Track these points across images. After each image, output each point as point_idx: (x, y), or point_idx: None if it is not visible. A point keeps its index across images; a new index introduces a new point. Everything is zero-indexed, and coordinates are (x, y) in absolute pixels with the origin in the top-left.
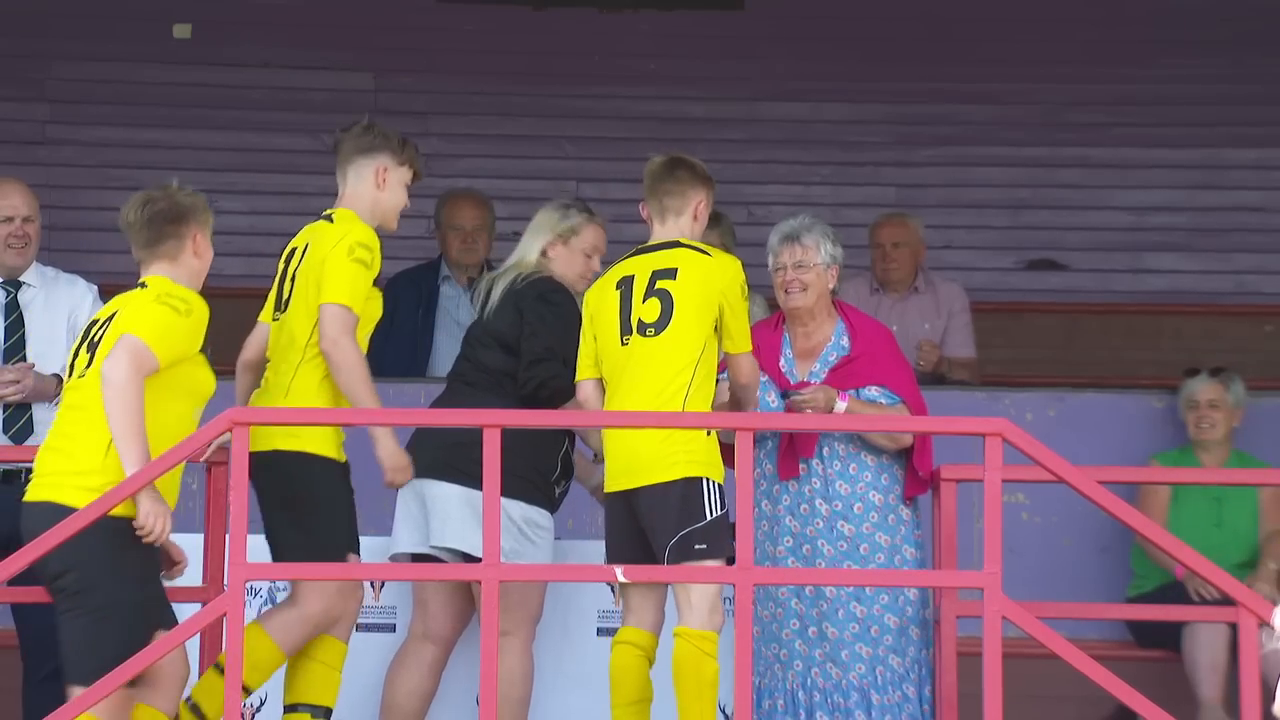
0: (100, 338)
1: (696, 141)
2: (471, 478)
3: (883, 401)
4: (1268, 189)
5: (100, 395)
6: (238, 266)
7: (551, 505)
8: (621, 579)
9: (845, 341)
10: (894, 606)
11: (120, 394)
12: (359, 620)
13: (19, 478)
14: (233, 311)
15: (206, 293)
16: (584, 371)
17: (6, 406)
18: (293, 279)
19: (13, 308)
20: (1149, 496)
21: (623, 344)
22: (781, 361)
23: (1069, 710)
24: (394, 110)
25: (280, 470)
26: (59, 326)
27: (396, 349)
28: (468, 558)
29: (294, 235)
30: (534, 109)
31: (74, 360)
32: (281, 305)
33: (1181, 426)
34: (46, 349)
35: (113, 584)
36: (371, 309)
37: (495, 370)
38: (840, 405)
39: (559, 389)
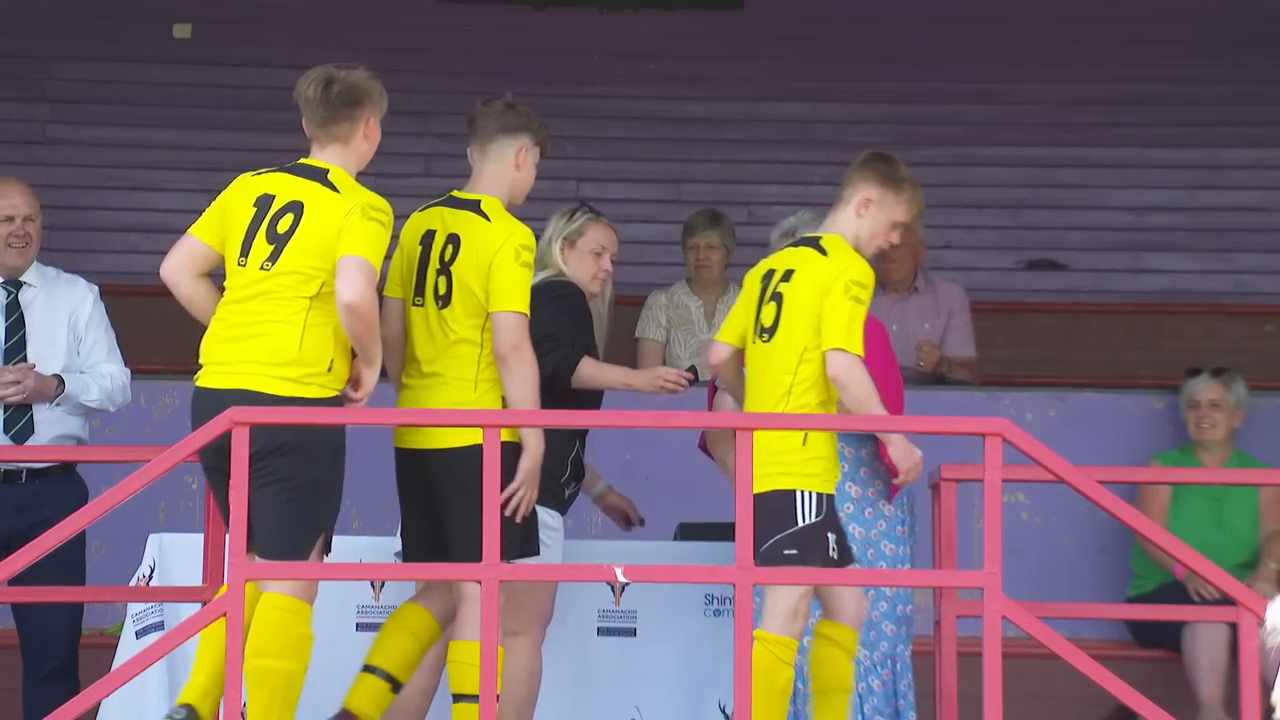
0: (289, 232)
1: (696, 141)
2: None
3: None
4: (1268, 189)
5: (290, 288)
6: None
7: (561, 506)
8: (621, 579)
9: None
10: (893, 615)
11: (369, 321)
12: (359, 620)
13: (19, 478)
14: None
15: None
16: (726, 334)
17: (7, 407)
18: (442, 271)
19: (13, 308)
20: (1149, 496)
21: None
22: None
23: (1069, 710)
24: (394, 110)
25: (470, 464)
26: (59, 327)
27: None
28: None
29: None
30: (534, 109)
31: (248, 242)
32: (432, 296)
33: (1182, 426)
34: (47, 349)
35: (315, 463)
36: None
37: None
38: None
39: (572, 368)
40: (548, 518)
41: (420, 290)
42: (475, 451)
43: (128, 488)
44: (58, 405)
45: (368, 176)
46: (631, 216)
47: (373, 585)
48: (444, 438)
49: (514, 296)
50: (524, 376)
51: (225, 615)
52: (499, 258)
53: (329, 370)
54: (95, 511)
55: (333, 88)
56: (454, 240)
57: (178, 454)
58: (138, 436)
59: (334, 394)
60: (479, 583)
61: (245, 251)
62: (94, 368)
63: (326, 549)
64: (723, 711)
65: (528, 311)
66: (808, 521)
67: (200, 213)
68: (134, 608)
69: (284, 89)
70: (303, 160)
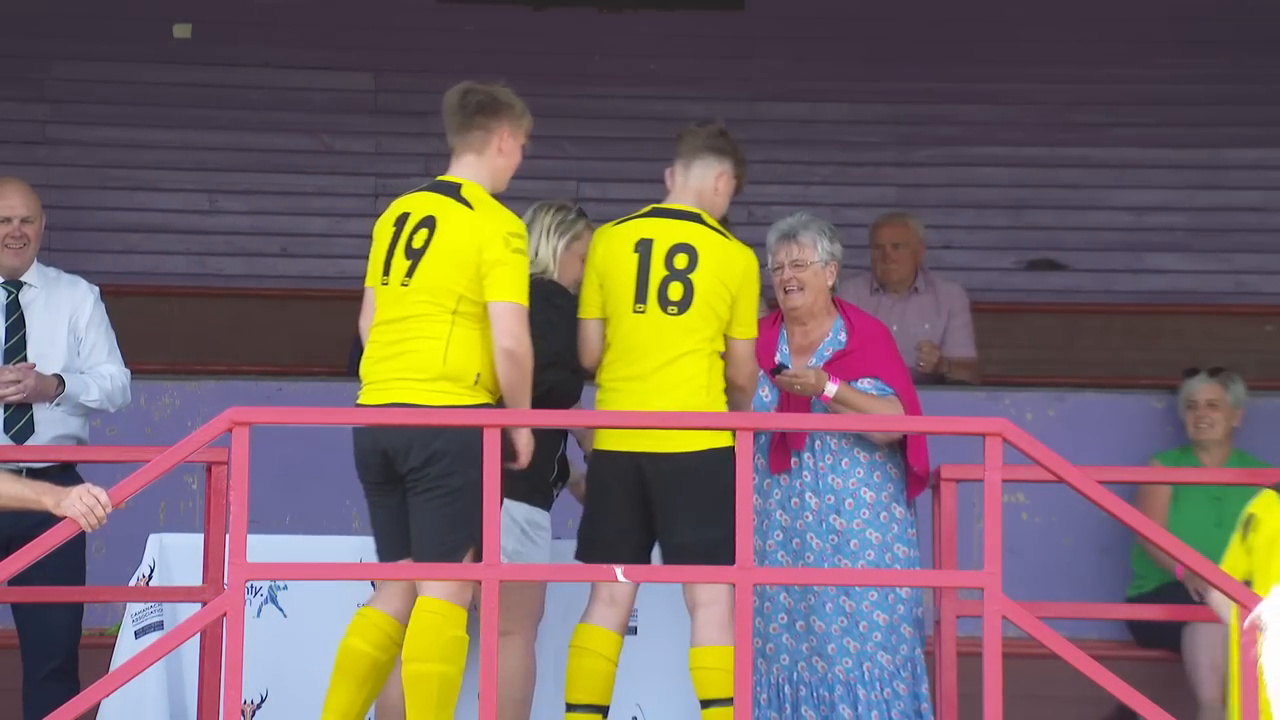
0: (424, 247)
1: None
2: None
3: (873, 393)
4: (1268, 189)
5: (430, 302)
6: (238, 266)
7: (549, 505)
8: (621, 579)
9: (843, 337)
10: (884, 604)
11: (524, 367)
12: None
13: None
14: (233, 311)
15: (206, 293)
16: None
17: (7, 406)
18: (679, 278)
19: (13, 308)
20: (1149, 497)
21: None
22: (777, 356)
23: (1069, 710)
24: (394, 110)
25: (706, 468)
26: (60, 327)
27: None
28: None
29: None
30: (534, 109)
31: (388, 261)
32: (661, 302)
33: (1181, 426)
34: (47, 350)
35: (470, 467)
36: None
37: None
38: (830, 388)
39: (566, 394)
40: (539, 518)
41: (643, 298)
42: (707, 456)
43: (128, 487)
44: (58, 405)
45: (366, 177)
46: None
47: (373, 585)
48: (671, 442)
49: (753, 318)
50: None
51: (226, 615)
52: (745, 278)
53: (475, 383)
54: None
55: (470, 97)
56: (686, 249)
57: (178, 454)
58: (138, 436)
59: (484, 404)
60: (731, 585)
61: (386, 270)
62: (94, 368)
63: (479, 554)
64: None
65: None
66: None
67: (200, 212)
68: (133, 607)
69: (284, 89)
70: (440, 177)
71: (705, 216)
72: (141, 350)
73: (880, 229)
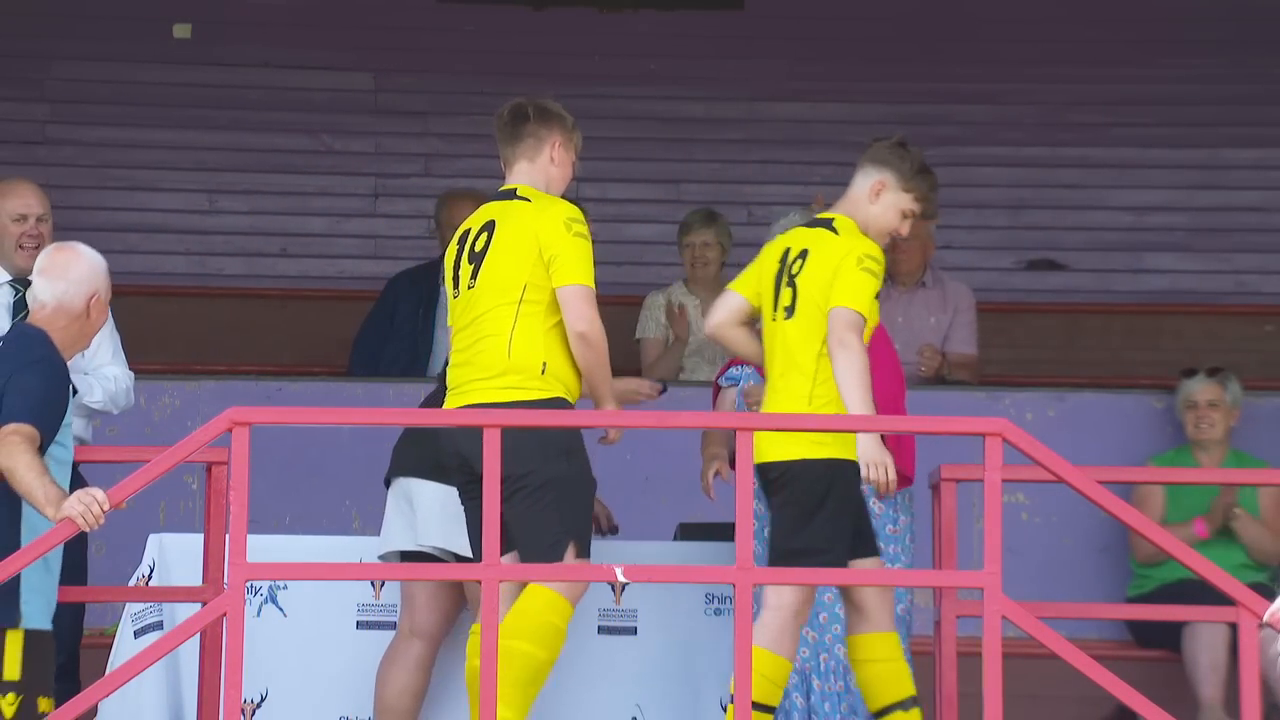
0: (485, 248)
1: (696, 141)
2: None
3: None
4: (1268, 189)
5: (495, 297)
6: (238, 266)
7: None
8: (621, 579)
9: None
10: None
11: (599, 348)
12: (359, 619)
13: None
14: (233, 311)
15: (206, 293)
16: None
17: None
18: (790, 284)
19: (20, 306)
20: (1144, 501)
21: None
22: None
23: (1069, 710)
24: (394, 110)
25: (810, 478)
26: None
27: (396, 349)
28: (458, 557)
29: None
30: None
31: (455, 273)
32: (780, 310)
33: (1181, 426)
34: None
35: (548, 463)
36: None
37: None
38: None
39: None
40: None
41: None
42: (806, 466)
43: (128, 487)
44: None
45: (366, 177)
46: (631, 216)
47: (373, 585)
48: (772, 450)
49: (854, 296)
50: (858, 369)
51: (226, 615)
52: (844, 264)
53: (542, 373)
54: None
55: (521, 109)
56: (801, 255)
57: (178, 454)
58: (138, 436)
59: (554, 395)
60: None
61: (456, 283)
62: (98, 369)
63: (583, 550)
64: (723, 710)
65: (864, 312)
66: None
67: (200, 212)
68: (132, 607)
69: (284, 89)
70: (501, 189)
71: (837, 220)
72: (141, 350)
73: None
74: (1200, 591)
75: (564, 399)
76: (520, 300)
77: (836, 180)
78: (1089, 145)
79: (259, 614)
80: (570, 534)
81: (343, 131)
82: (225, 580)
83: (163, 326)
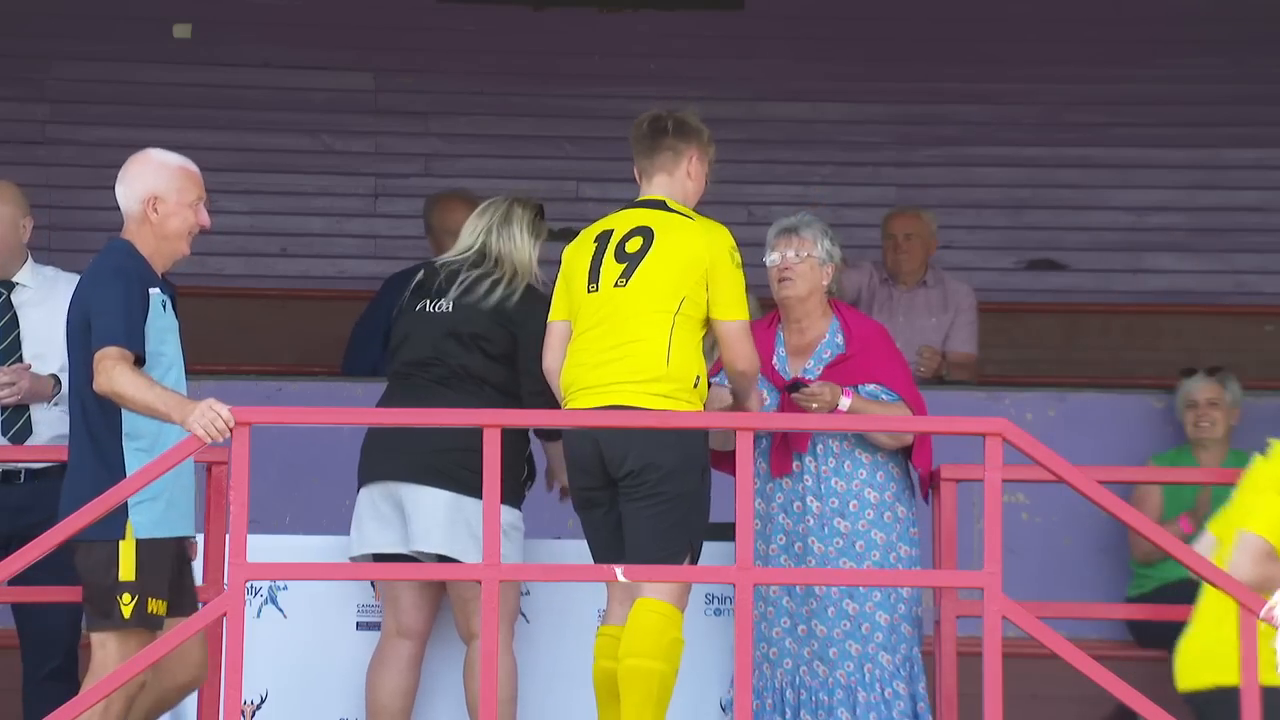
0: (641, 251)
1: None
2: (457, 483)
3: (884, 398)
4: (1268, 189)
5: (650, 302)
6: (238, 266)
7: (520, 504)
8: (621, 579)
9: (840, 339)
10: (886, 604)
11: (753, 380)
12: (359, 620)
13: (18, 478)
14: (232, 311)
15: (206, 293)
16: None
17: (4, 408)
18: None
19: (5, 308)
20: (1142, 502)
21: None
22: (774, 359)
23: (1069, 710)
24: (394, 110)
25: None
26: (57, 327)
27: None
28: (443, 559)
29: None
30: (534, 109)
31: (594, 270)
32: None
33: (1181, 426)
34: (45, 350)
35: (687, 476)
36: None
37: (476, 375)
38: (844, 402)
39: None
40: (514, 518)
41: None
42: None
43: (128, 488)
44: (55, 405)
45: (366, 177)
46: None
47: (373, 585)
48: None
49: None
50: None
51: (226, 615)
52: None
53: (694, 387)
54: (95, 511)
55: (661, 121)
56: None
57: (178, 454)
58: None
59: (700, 410)
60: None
61: (594, 279)
62: None
63: (694, 560)
64: (723, 710)
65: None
66: None
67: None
68: None
69: (284, 89)
70: (637, 199)
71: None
72: None
73: (893, 220)
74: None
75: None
76: (676, 312)
77: (837, 180)
78: (1089, 145)
79: (259, 614)
80: (690, 548)
81: (343, 131)
82: (225, 580)
83: None
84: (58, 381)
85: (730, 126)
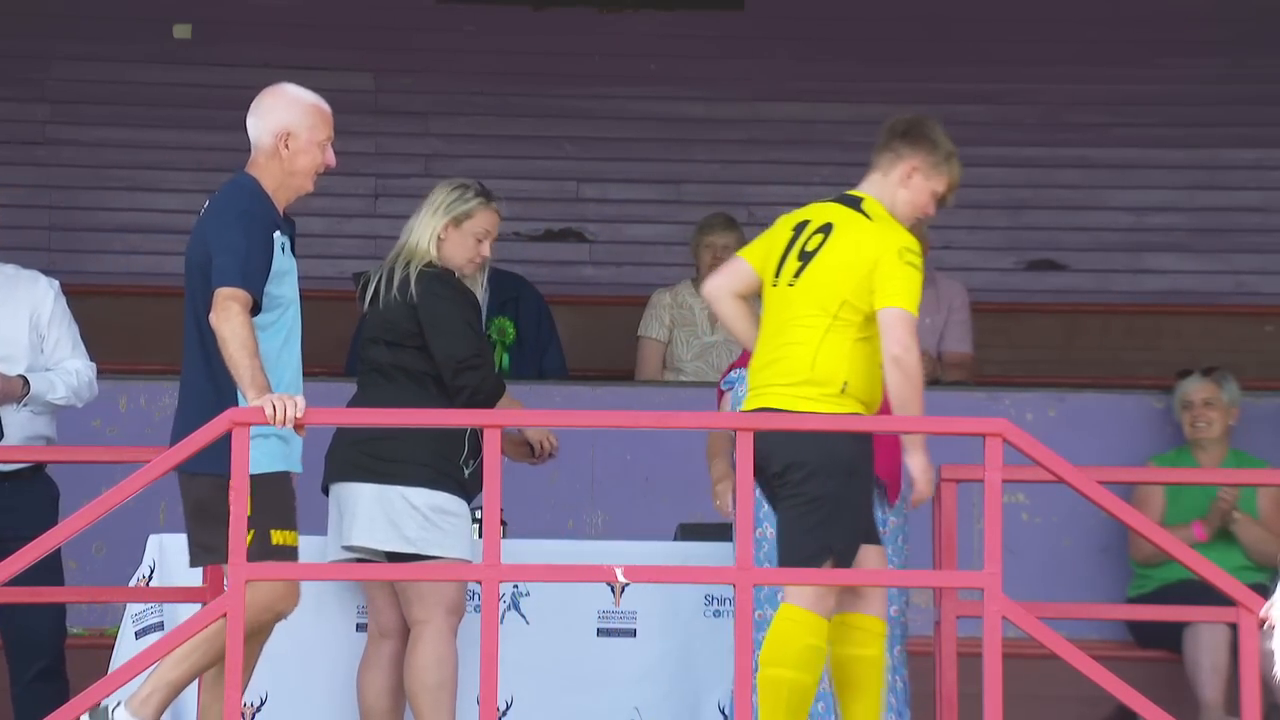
0: (816, 250)
1: (696, 142)
2: (377, 474)
3: None
4: (1268, 189)
5: (812, 303)
6: None
7: (463, 489)
8: (621, 579)
9: None
10: None
11: (914, 378)
12: (359, 620)
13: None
14: None
15: None
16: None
17: None
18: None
19: None
20: (1143, 503)
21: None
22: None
23: (1069, 710)
24: (394, 110)
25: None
26: (20, 326)
27: None
28: (392, 557)
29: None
30: (534, 109)
31: (781, 263)
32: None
33: (1180, 427)
34: (11, 350)
35: (830, 478)
36: None
37: (387, 366)
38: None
39: (490, 392)
40: (446, 503)
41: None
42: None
43: (128, 488)
44: (25, 406)
45: (366, 177)
46: (631, 216)
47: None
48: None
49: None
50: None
51: (226, 615)
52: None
53: (842, 391)
54: (95, 511)
55: (898, 123)
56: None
57: (178, 454)
58: (138, 437)
59: (849, 412)
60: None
61: (778, 272)
62: (59, 364)
63: (838, 563)
64: (722, 712)
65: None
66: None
67: (197, 213)
68: (133, 608)
69: None
70: (846, 192)
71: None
72: (142, 350)
73: None
74: (1200, 592)
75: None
76: (835, 315)
77: (837, 180)
78: (1089, 145)
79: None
80: (831, 551)
81: (343, 131)
82: (225, 581)
83: (163, 326)
84: (26, 383)
85: (730, 126)
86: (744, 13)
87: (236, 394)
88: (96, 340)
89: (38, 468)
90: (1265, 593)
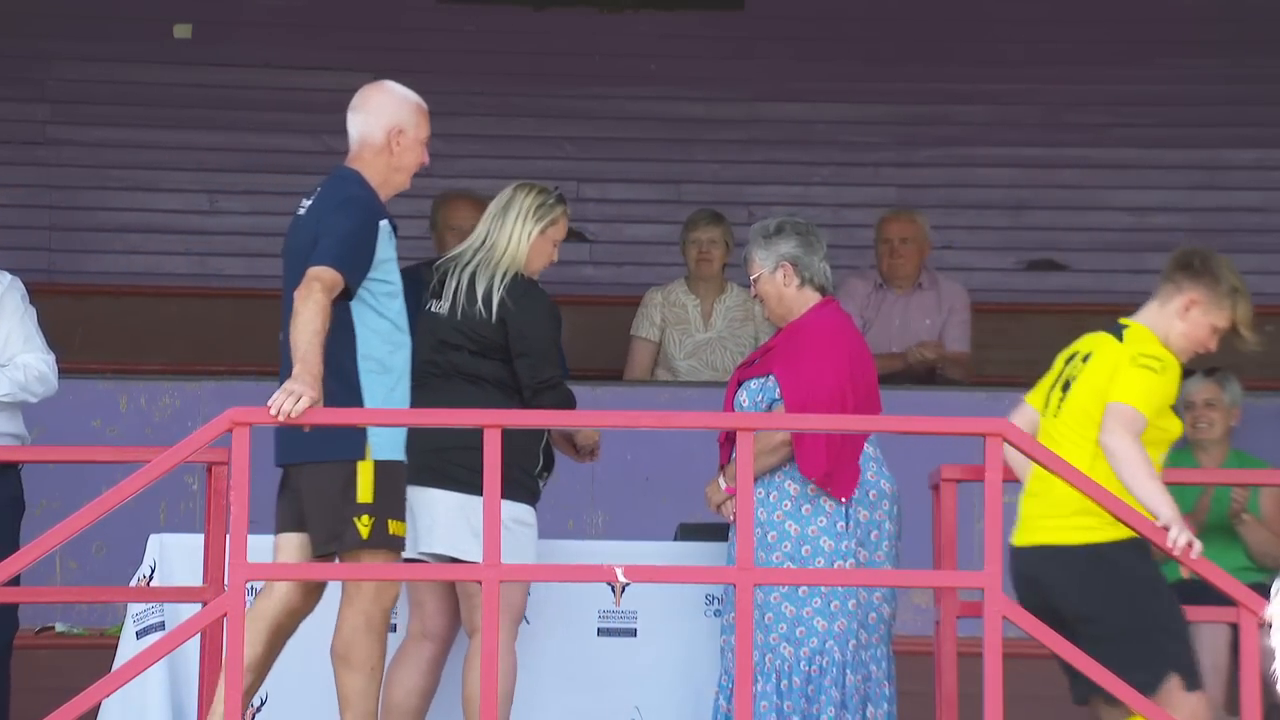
0: (1073, 377)
1: (696, 142)
2: (460, 484)
3: (743, 399)
4: (1268, 189)
5: (1072, 431)
6: (238, 267)
7: (535, 500)
8: (622, 579)
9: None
10: (793, 596)
11: (1126, 463)
12: None
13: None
14: (233, 312)
15: (206, 293)
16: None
17: None
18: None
19: None
20: None
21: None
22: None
23: (1069, 710)
24: None
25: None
26: None
27: None
28: (455, 560)
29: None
30: (534, 109)
31: (1050, 396)
32: (1051, 409)
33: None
34: None
35: (1115, 615)
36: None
37: (469, 372)
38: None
39: (563, 410)
40: (522, 514)
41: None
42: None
43: (128, 488)
44: None
45: None
46: (631, 216)
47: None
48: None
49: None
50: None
51: (226, 615)
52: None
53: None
54: (95, 511)
55: (1188, 255)
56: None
57: (178, 454)
58: (138, 437)
59: (1127, 535)
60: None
61: (1047, 404)
62: (11, 360)
63: (1192, 680)
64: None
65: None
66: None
67: (197, 213)
68: (134, 608)
69: (284, 89)
70: (1117, 319)
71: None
72: (142, 350)
73: (888, 224)
74: (1201, 592)
75: (1136, 539)
76: (1095, 440)
77: (837, 180)
78: (1089, 145)
79: None
80: (1162, 672)
81: (343, 131)
82: (225, 580)
83: (163, 327)
84: None
85: (730, 126)
86: (744, 13)
87: (360, 386)
88: (97, 340)
89: (6, 468)
90: (1265, 593)
